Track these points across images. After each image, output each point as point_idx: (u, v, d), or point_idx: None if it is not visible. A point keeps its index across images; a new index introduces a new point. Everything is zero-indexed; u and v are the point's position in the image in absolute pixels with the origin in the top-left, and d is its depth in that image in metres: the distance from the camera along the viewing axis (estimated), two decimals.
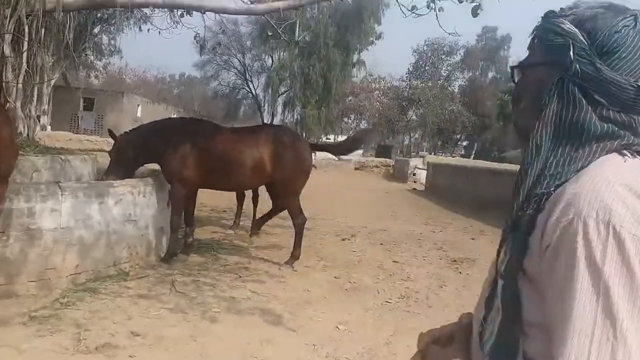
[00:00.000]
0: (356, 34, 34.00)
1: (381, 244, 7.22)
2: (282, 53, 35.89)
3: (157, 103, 34.53)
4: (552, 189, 0.79)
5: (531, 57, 0.94)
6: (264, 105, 39.67)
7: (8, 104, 5.01)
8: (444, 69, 37.59)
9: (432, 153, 32.82)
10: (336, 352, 3.36)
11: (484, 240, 8.28)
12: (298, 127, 37.89)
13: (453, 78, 39.49)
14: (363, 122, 37.16)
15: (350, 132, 42.48)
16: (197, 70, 41.63)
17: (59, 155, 4.95)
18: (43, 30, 5.24)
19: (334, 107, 35.32)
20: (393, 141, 40.02)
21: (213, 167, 5.05)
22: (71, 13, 5.43)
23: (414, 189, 18.26)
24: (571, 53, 0.82)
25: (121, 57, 30.80)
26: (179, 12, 7.62)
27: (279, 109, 38.04)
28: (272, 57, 38.01)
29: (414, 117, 35.75)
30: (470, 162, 23.15)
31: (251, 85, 40.30)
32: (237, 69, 39.78)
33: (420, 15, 5.61)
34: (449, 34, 5.89)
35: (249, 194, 7.28)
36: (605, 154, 0.80)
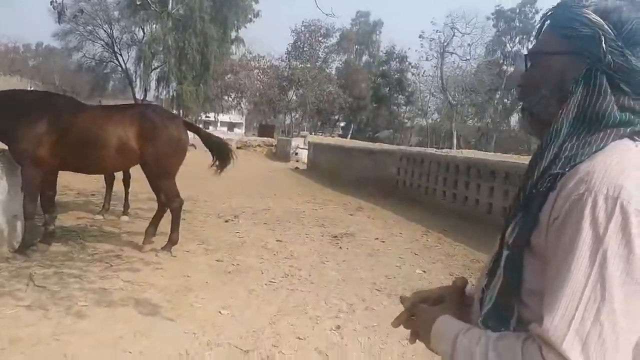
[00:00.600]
0: (233, 10, 33.12)
1: (265, 224, 7.17)
2: (154, 26, 33.68)
3: (10, 75, 30.50)
4: (566, 169, 0.84)
5: (545, 45, 0.96)
6: (135, 80, 37.06)
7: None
8: (321, 50, 38.29)
9: (313, 133, 33.49)
10: (218, 338, 3.23)
11: (362, 215, 8.65)
12: (174, 104, 36.12)
13: (330, 60, 40.49)
14: (244, 100, 36.54)
15: (231, 111, 41.76)
16: (57, 41, 37.41)
17: None
18: None
19: (213, 84, 34.18)
20: (274, 121, 40.06)
21: (73, 147, 4.48)
22: None
23: (297, 168, 18.50)
24: (604, 45, 0.85)
25: None
26: None
27: (153, 84, 35.92)
28: (143, 29, 35.51)
29: (294, 97, 36.01)
30: (348, 142, 24.01)
31: (120, 59, 37.39)
32: (103, 41, 36.51)
33: None
34: (326, 14, 5.92)
35: (119, 175, 6.73)
36: (619, 139, 0.85)
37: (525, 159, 11.88)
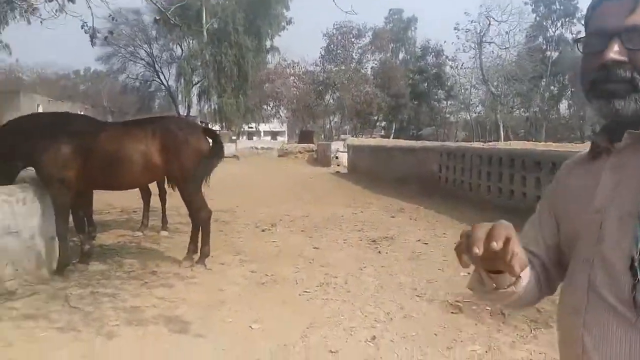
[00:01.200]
0: (266, 20, 33.50)
1: (302, 231, 7.07)
2: (191, 41, 34.58)
3: (61, 101, 32.02)
4: None
5: None
6: (178, 97, 38.11)
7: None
8: (354, 51, 37.98)
9: (354, 135, 33.27)
10: (247, 354, 3.14)
11: (403, 217, 8.40)
12: (217, 117, 36.95)
13: (365, 60, 40.10)
14: (282, 108, 36.81)
15: (271, 119, 42.17)
16: (101, 64, 39.06)
17: None
18: None
19: (252, 94, 34.64)
20: (314, 126, 40.10)
21: (97, 166, 4.53)
22: None
23: (337, 172, 18.37)
24: None
25: (10, 53, 28.18)
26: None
27: (194, 99, 36.82)
28: (180, 46, 36.57)
29: (331, 100, 35.89)
30: (387, 141, 23.67)
31: (162, 77, 38.59)
32: (144, 60, 37.83)
33: None
34: (346, 12, 5.79)
35: (155, 191, 6.81)
36: None
37: (578, 147, 11.25)
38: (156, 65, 38.23)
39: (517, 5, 41.10)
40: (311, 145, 25.65)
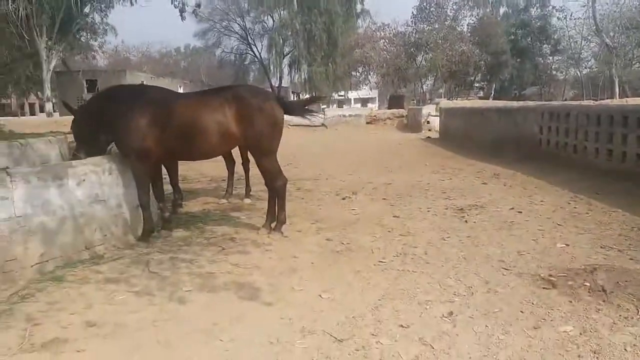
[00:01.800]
0: None
1: (384, 199, 6.82)
2: (281, 11, 34.77)
3: (162, 77, 34.09)
4: None
5: None
6: (270, 68, 38.82)
7: None
8: (449, 8, 35.73)
9: (450, 98, 31.70)
10: (314, 325, 3.02)
11: (497, 183, 7.81)
12: (307, 85, 37.23)
13: (461, 17, 37.65)
14: (371, 73, 35.99)
15: (361, 86, 41.50)
16: (198, 40, 40.84)
17: (18, 140, 4.61)
18: None
19: (341, 61, 34.22)
20: (406, 90, 38.84)
21: (174, 137, 4.60)
22: None
23: (428, 137, 17.64)
24: None
25: (116, 35, 30.38)
26: None
27: (285, 70, 37.31)
28: (272, 16, 36.89)
29: (424, 62, 34.30)
30: (482, 103, 22.21)
31: (255, 49, 39.46)
32: (238, 34, 38.86)
33: None
34: None
35: (238, 159, 6.91)
36: None
37: None
38: (249, 38, 39.15)
39: None
40: (401, 111, 24.81)
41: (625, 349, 2.65)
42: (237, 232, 5.15)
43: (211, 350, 2.73)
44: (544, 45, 42.05)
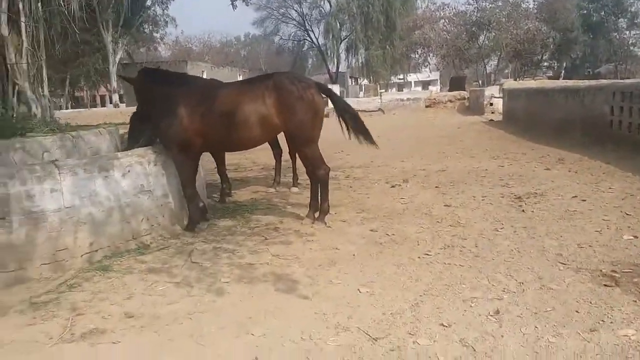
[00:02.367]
0: None
1: (436, 187, 6.55)
2: None
3: (222, 67, 34.82)
4: None
5: None
6: (327, 54, 38.66)
7: (17, 86, 4.92)
8: None
9: (516, 79, 30.09)
10: (349, 321, 2.91)
11: (561, 169, 7.31)
12: (364, 70, 36.78)
13: None
14: (431, 55, 34.82)
15: (420, 69, 40.33)
16: (257, 28, 41.32)
17: (70, 132, 4.79)
18: (40, 5, 5.01)
19: (399, 44, 33.37)
20: (468, 72, 37.36)
21: (213, 127, 4.59)
22: None
23: (491, 120, 16.89)
24: None
25: (176, 26, 31.28)
26: None
27: (343, 55, 37.02)
28: (329, 1, 36.58)
29: (486, 42, 32.70)
30: (552, 83, 20.90)
31: (312, 35, 39.36)
32: (295, 20, 38.90)
33: None
34: None
35: (285, 147, 6.86)
36: None
37: None
38: (306, 24, 39.08)
39: None
40: (462, 93, 23.87)
41: None
42: (281, 221, 5.12)
43: (242, 345, 2.70)
44: (620, 19, 38.90)
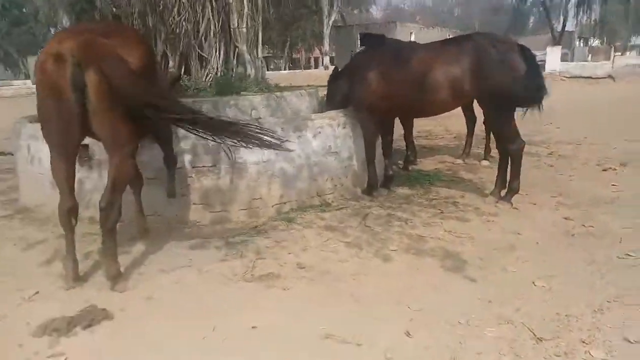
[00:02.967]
0: None
1: None
2: None
3: (431, 28, 33.87)
4: None
5: None
6: (552, 10, 34.37)
7: (237, 48, 5.58)
8: None
9: None
10: (514, 314, 2.69)
11: None
12: (597, 29, 31.82)
13: None
14: None
15: None
16: None
17: (275, 93, 5.28)
18: None
19: None
20: None
21: (402, 92, 4.50)
22: None
23: None
24: None
25: None
26: None
27: (571, 11, 32.41)
28: None
29: None
30: None
31: None
32: None
33: None
34: None
35: (480, 117, 6.45)
36: None
37: None
38: None
39: None
40: None
41: None
42: (462, 196, 4.90)
43: (397, 314, 2.72)
44: None
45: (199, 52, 5.52)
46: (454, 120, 8.62)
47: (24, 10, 32.88)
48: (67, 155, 2.93)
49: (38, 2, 20.33)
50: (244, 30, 5.52)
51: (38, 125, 3.17)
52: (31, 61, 20.23)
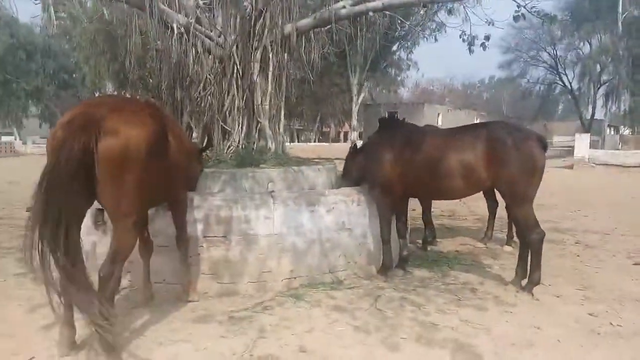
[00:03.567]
0: None
1: None
2: (601, 36, 30.65)
3: (459, 109, 34.48)
4: None
5: None
6: (581, 99, 34.69)
7: (259, 123, 5.73)
8: None
9: None
10: None
11: None
12: (627, 119, 31.82)
13: None
14: None
15: None
16: (503, 71, 39.79)
17: (293, 167, 5.31)
18: (286, 55, 5.79)
19: None
20: None
21: (416, 174, 4.49)
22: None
23: None
24: None
25: (417, 69, 32.21)
26: None
27: (600, 101, 32.64)
28: (589, 42, 32.88)
29: None
30: None
31: (565, 79, 35.80)
32: (547, 63, 36.04)
33: None
34: None
35: (501, 200, 6.31)
36: None
37: None
38: (558, 67, 35.87)
39: None
40: None
41: None
42: (481, 282, 4.69)
43: None
44: None
45: (222, 125, 5.68)
46: (479, 202, 8.47)
47: (74, 75, 35.27)
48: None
49: (84, 69, 21.76)
50: (267, 106, 5.70)
51: None
52: None
